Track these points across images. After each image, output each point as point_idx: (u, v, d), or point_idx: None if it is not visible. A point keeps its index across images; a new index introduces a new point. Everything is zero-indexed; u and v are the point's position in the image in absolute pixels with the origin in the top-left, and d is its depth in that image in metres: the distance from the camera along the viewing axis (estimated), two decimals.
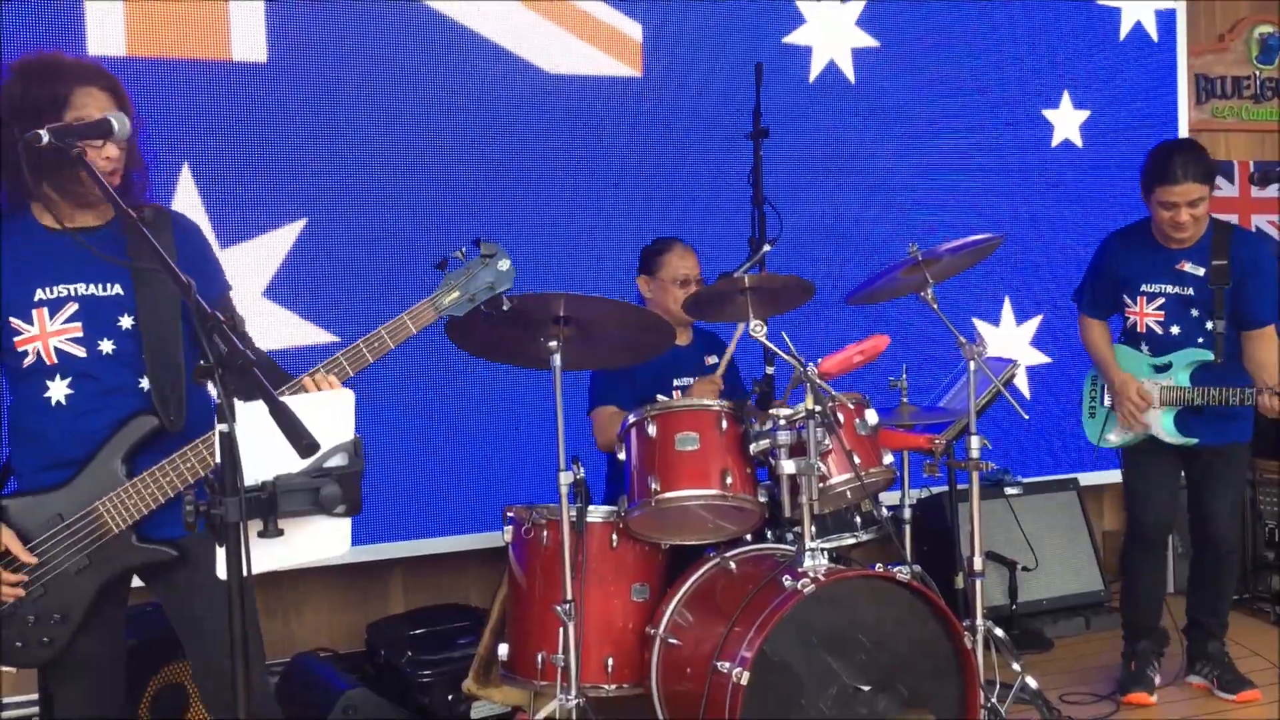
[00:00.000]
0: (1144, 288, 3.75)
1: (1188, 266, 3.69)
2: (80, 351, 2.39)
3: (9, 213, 2.41)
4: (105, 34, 3.71)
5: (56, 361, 2.37)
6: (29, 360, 2.36)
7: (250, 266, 3.88)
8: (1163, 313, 3.72)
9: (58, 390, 2.37)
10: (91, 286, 2.41)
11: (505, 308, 2.52)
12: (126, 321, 2.40)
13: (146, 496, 2.35)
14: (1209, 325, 3.67)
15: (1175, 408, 3.69)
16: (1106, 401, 3.85)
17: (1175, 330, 3.71)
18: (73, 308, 2.39)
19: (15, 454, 2.43)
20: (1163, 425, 3.72)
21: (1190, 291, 3.68)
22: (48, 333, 2.37)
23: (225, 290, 2.62)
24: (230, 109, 3.88)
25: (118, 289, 2.42)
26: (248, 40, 3.89)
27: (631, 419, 3.21)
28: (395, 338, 2.43)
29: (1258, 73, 5.71)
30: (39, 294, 2.38)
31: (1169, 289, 3.71)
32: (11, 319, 2.37)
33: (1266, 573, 4.73)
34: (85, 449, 2.36)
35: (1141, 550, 3.87)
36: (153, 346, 2.42)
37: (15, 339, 2.36)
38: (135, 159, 2.45)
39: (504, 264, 2.50)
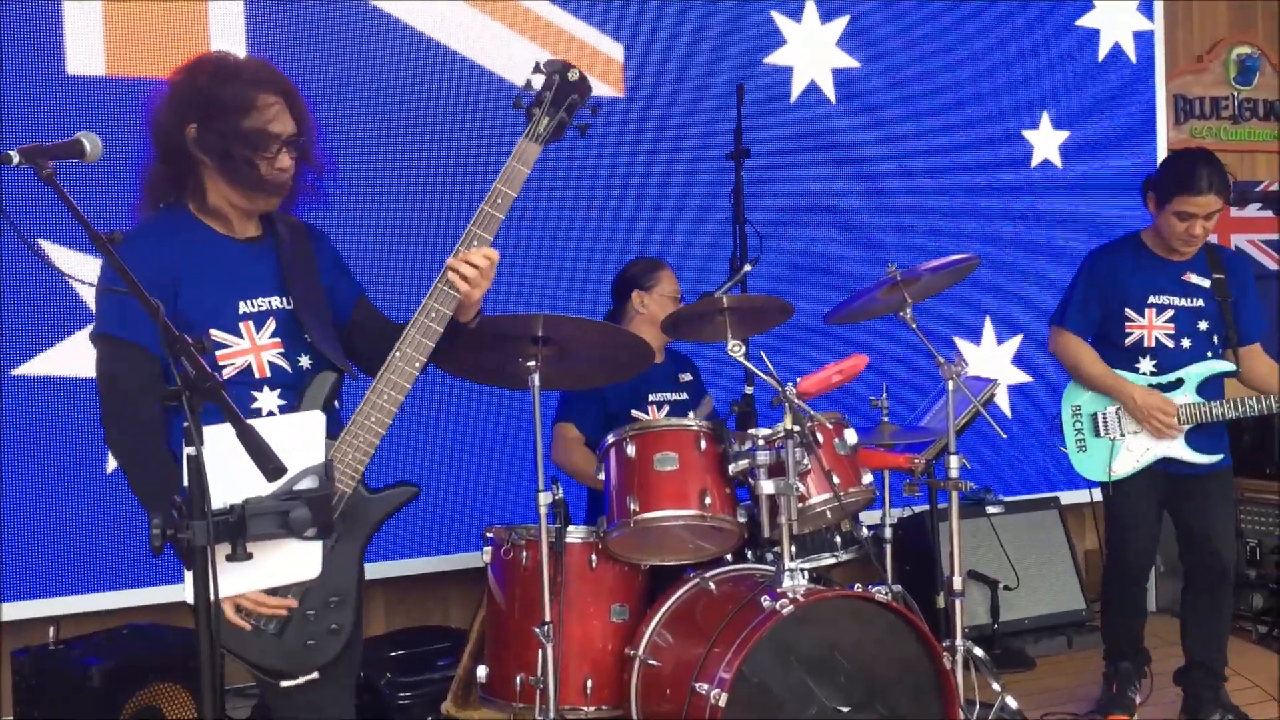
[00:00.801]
0: (1152, 300, 3.60)
1: (1194, 278, 3.59)
2: (288, 366, 2.35)
3: (156, 214, 2.33)
4: (85, 54, 3.69)
5: (269, 375, 2.32)
6: (230, 373, 2.29)
7: None
8: (1172, 325, 3.58)
9: (268, 400, 2.31)
10: (279, 300, 2.38)
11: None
12: (298, 333, 2.37)
13: (361, 444, 2.30)
14: (1214, 339, 3.59)
15: (1191, 425, 3.54)
16: (1107, 431, 3.64)
17: (1186, 343, 3.59)
18: (273, 323, 2.35)
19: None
20: (1185, 444, 3.57)
21: (1200, 303, 3.59)
22: (258, 346, 2.32)
23: (361, 293, 2.59)
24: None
25: (285, 302, 2.38)
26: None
27: (610, 439, 3.20)
28: (512, 185, 2.46)
29: (1236, 93, 5.75)
30: (242, 306, 2.33)
31: (1178, 301, 3.59)
32: (215, 332, 2.29)
33: (1248, 591, 4.73)
34: None
35: (1126, 582, 3.76)
36: (334, 353, 2.40)
37: (221, 351, 2.28)
38: (313, 164, 2.43)
39: (573, 74, 2.48)
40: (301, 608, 2.25)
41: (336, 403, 2.40)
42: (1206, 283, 3.59)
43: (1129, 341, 3.62)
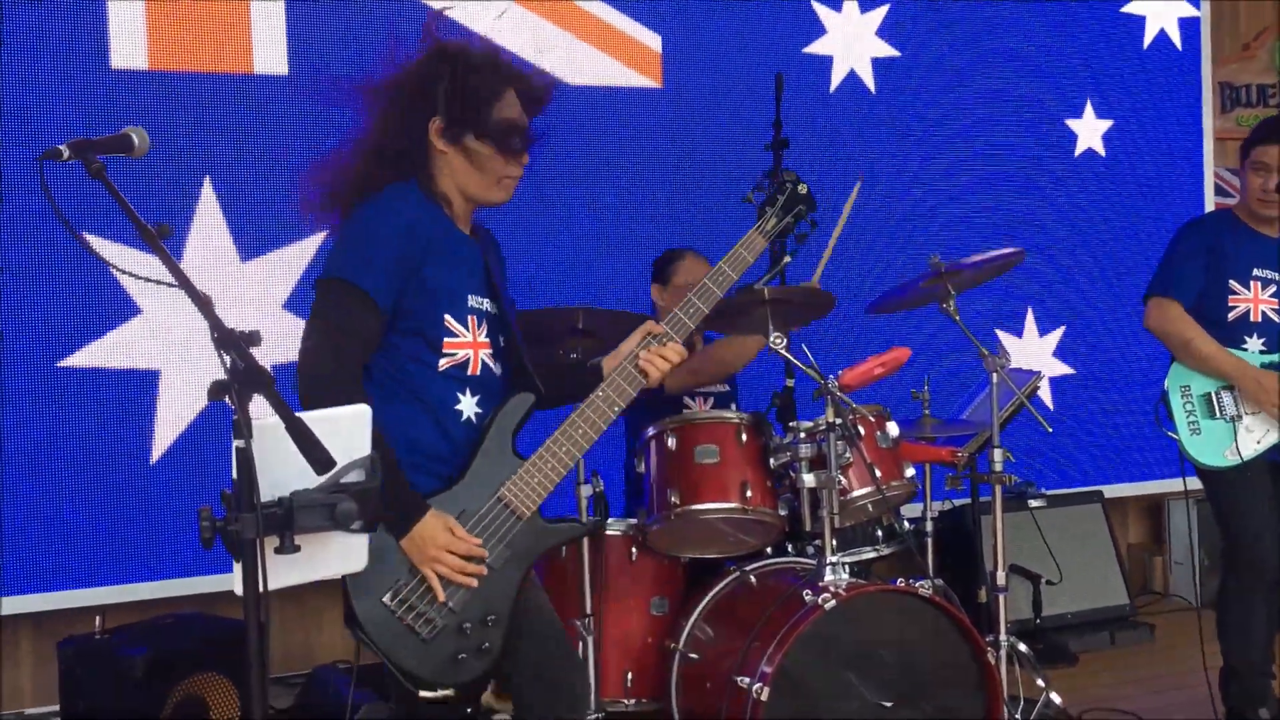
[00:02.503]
0: (1256, 272, 3.39)
1: None
2: (496, 368, 2.37)
3: (400, 184, 2.31)
4: (128, 46, 3.73)
5: (479, 374, 2.32)
6: (449, 364, 2.29)
7: (271, 279, 3.89)
8: (1277, 300, 3.41)
9: (468, 406, 2.31)
10: (492, 304, 2.39)
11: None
12: (502, 340, 2.40)
13: (548, 472, 2.31)
14: None
15: None
16: (1222, 413, 3.37)
17: None
18: (488, 324, 2.37)
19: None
20: None
21: None
22: (478, 343, 2.33)
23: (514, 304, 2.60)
24: (251, 121, 3.89)
25: (495, 306, 2.40)
26: (269, 52, 3.90)
27: (651, 431, 3.19)
28: (736, 269, 2.52)
29: None
30: (471, 300, 2.33)
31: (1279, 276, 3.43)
32: (448, 317, 2.29)
33: None
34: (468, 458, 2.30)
35: (1262, 588, 3.35)
36: (518, 363, 2.42)
37: (448, 339, 2.29)
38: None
39: (803, 188, 2.58)
40: (458, 619, 2.22)
41: (518, 431, 2.37)
42: None
43: (1233, 316, 3.40)
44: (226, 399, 1.67)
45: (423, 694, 2.20)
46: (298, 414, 1.69)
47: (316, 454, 1.64)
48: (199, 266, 3.74)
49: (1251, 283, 3.42)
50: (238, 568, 1.71)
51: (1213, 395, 3.40)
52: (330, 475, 1.74)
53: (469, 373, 2.30)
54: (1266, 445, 3.35)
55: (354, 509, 1.74)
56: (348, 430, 1.80)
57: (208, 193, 3.82)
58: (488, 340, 2.34)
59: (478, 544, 2.22)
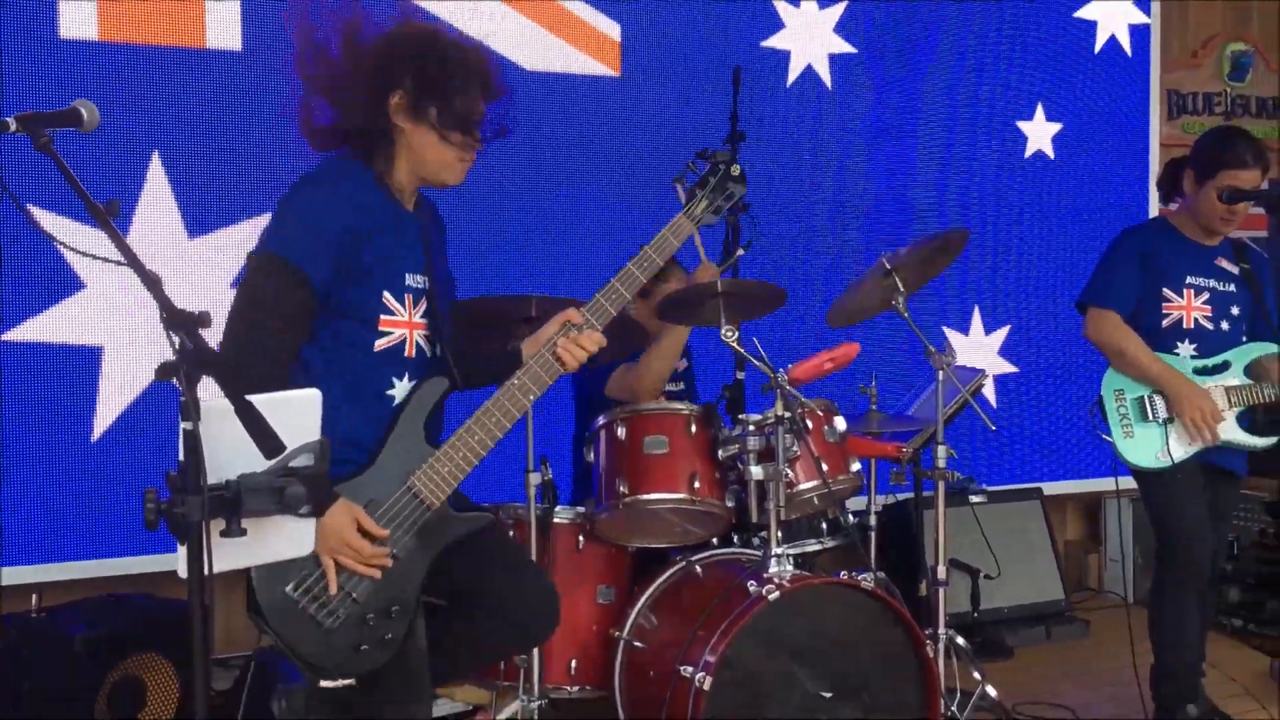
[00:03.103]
0: (1189, 280, 3.45)
1: (1225, 263, 3.50)
2: (429, 350, 2.34)
3: (340, 160, 2.31)
4: (78, 17, 3.65)
5: (414, 356, 2.30)
6: (386, 344, 2.27)
7: (220, 257, 3.84)
8: (1209, 308, 3.47)
9: (400, 391, 2.30)
10: (424, 279, 2.35)
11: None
12: (436, 317, 2.36)
13: (459, 461, 2.28)
14: (1243, 326, 3.49)
15: (1241, 407, 3.41)
16: (1156, 415, 3.42)
17: (1225, 326, 3.48)
18: (424, 302, 2.34)
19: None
20: (1238, 428, 3.42)
21: (1232, 288, 3.49)
22: (413, 323, 2.30)
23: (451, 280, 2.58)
24: (203, 97, 3.83)
25: (430, 284, 2.36)
26: (223, 28, 3.84)
27: (601, 420, 3.20)
28: (662, 253, 2.48)
29: (1229, 90, 5.76)
30: (407, 279, 2.31)
31: (1213, 284, 3.48)
32: (386, 295, 2.27)
33: (1226, 585, 4.77)
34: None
35: (1195, 588, 3.42)
36: (449, 340, 2.40)
37: (385, 317, 2.27)
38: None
39: (735, 169, 2.55)
40: (361, 609, 2.21)
41: (432, 417, 2.36)
42: (1236, 270, 3.51)
43: (1167, 323, 3.46)
44: (174, 380, 1.66)
45: (323, 682, 2.22)
46: (247, 397, 1.68)
47: (266, 438, 1.63)
48: (146, 243, 3.68)
49: (1185, 290, 3.47)
50: (182, 550, 1.70)
51: (1145, 399, 3.46)
52: (279, 459, 1.73)
53: (405, 355, 2.29)
54: (1196, 448, 3.42)
55: (302, 493, 1.73)
56: (297, 414, 1.79)
57: (156, 168, 3.76)
58: (424, 320, 2.33)
59: (384, 536, 2.20)
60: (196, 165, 3.82)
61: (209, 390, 1.77)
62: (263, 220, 3.79)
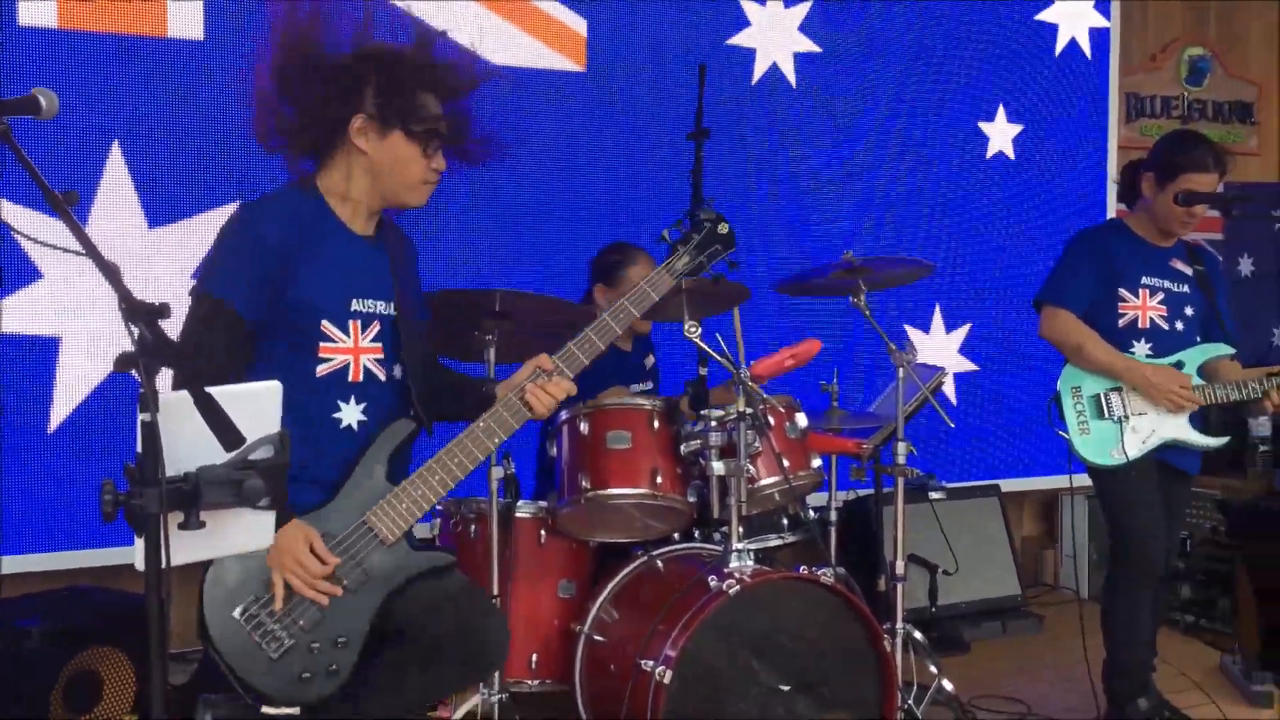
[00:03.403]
0: (1145, 280, 3.50)
1: (1179, 265, 3.55)
2: (381, 375, 2.32)
3: (289, 189, 2.32)
4: (37, 5, 3.61)
5: (361, 381, 2.29)
6: (328, 370, 2.27)
7: (180, 248, 3.81)
8: (1164, 308, 3.51)
9: (350, 414, 2.29)
10: (387, 305, 2.36)
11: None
12: (398, 343, 2.35)
13: (417, 499, 2.27)
14: (1196, 327, 3.54)
15: (1195, 407, 3.46)
16: (1110, 413, 3.46)
17: (1179, 326, 3.52)
18: (376, 327, 2.33)
19: None
20: (1191, 428, 3.48)
21: (1186, 289, 3.54)
22: (360, 348, 2.30)
23: (429, 318, 2.58)
24: (164, 87, 3.80)
25: (393, 309, 2.36)
26: (185, 17, 3.81)
27: (564, 415, 3.21)
28: (639, 306, 2.50)
29: (1186, 94, 5.85)
30: (354, 304, 2.30)
31: (1168, 285, 3.53)
32: (325, 323, 2.27)
33: (1178, 582, 4.85)
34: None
35: (1148, 585, 3.47)
36: (414, 364, 2.39)
37: (324, 344, 2.27)
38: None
39: (723, 228, 2.58)
40: (307, 638, 2.21)
41: (397, 455, 2.36)
42: (1190, 272, 3.57)
43: (1123, 323, 3.50)
44: (133, 371, 1.65)
45: (265, 709, 2.20)
46: (208, 389, 1.67)
47: (225, 430, 1.63)
48: (105, 233, 3.65)
49: (1140, 290, 3.52)
50: (140, 542, 1.69)
51: (1102, 396, 3.50)
52: (238, 451, 1.73)
53: (350, 379, 2.29)
54: (1151, 445, 3.46)
55: (261, 486, 1.73)
56: (257, 407, 1.79)
57: (116, 158, 3.73)
58: (377, 345, 2.33)
59: (335, 563, 2.21)
60: (157, 155, 3.79)
61: (168, 382, 1.76)
62: (226, 210, 3.81)
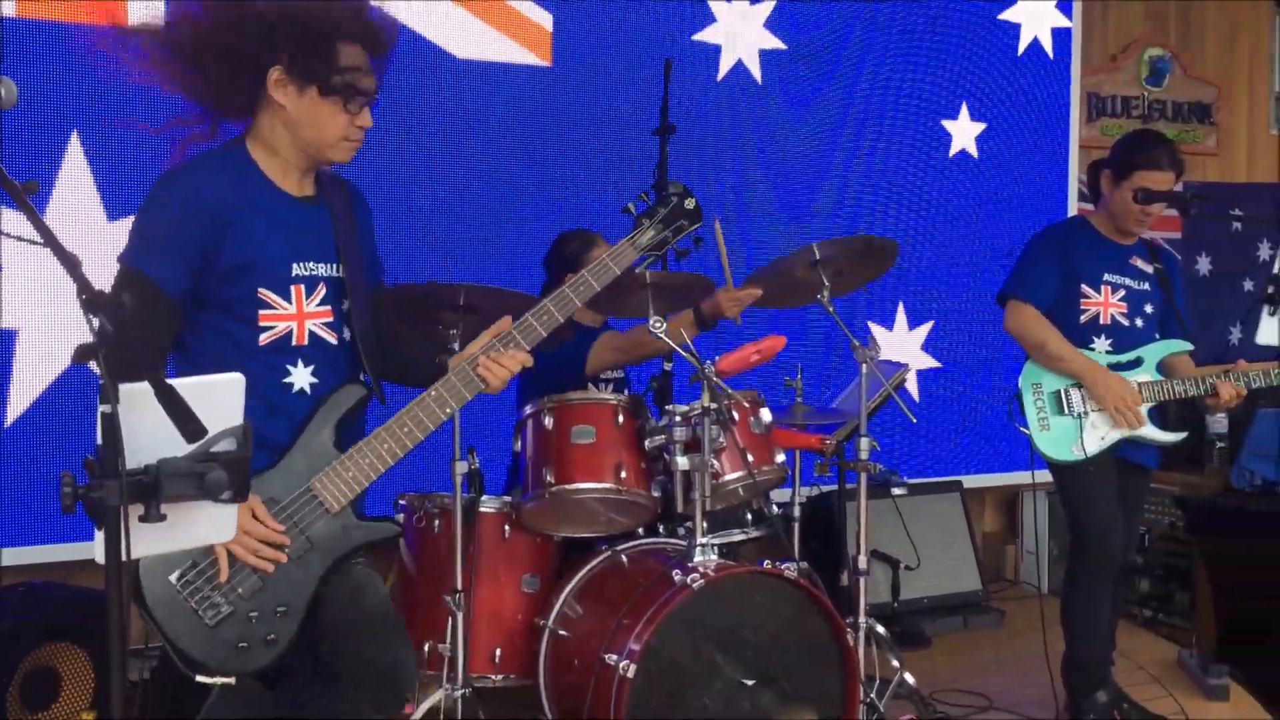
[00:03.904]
0: (1106, 277, 3.54)
1: (1140, 263, 3.60)
2: (331, 338, 2.25)
3: (216, 150, 2.21)
4: None
5: (306, 344, 2.22)
6: (270, 338, 2.19)
7: None
8: (1125, 305, 3.55)
9: (300, 377, 2.22)
10: (331, 267, 2.28)
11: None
12: (346, 305, 2.28)
13: (364, 468, 2.21)
14: (1155, 324, 3.58)
15: (1153, 403, 3.50)
16: (1070, 409, 3.50)
17: (1139, 323, 3.57)
18: (323, 289, 2.25)
19: None
20: (1149, 424, 3.51)
21: (1146, 287, 3.59)
22: (304, 313, 2.22)
23: (382, 274, 2.52)
24: (124, 76, 3.74)
25: (339, 270, 2.29)
26: (145, 6, 3.75)
27: (529, 410, 3.21)
28: (600, 280, 2.42)
29: (1146, 94, 5.92)
30: (295, 269, 2.22)
31: (1129, 282, 3.57)
32: (263, 290, 2.18)
33: (1136, 576, 4.91)
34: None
35: (1106, 580, 3.52)
36: (363, 327, 2.32)
37: (264, 312, 2.18)
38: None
39: (690, 202, 2.51)
40: (246, 606, 2.14)
41: (346, 421, 2.29)
42: (1151, 269, 3.62)
43: (1084, 319, 3.54)
44: (92, 364, 1.63)
45: (199, 678, 2.13)
46: (169, 380, 1.66)
47: (187, 422, 1.61)
48: (64, 224, 3.60)
49: (1102, 287, 3.56)
50: (99, 535, 1.67)
51: (1062, 393, 3.53)
52: (200, 443, 1.71)
53: (294, 344, 2.22)
54: (1110, 441, 3.50)
55: (224, 478, 1.71)
56: (220, 398, 1.76)
57: (75, 148, 3.68)
58: (325, 308, 2.26)
59: (279, 529, 2.15)
60: (116, 145, 3.74)
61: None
62: None
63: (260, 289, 2.19)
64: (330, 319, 2.27)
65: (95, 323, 1.64)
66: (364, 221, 2.45)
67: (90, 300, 1.63)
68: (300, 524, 2.18)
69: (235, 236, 2.16)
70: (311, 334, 2.24)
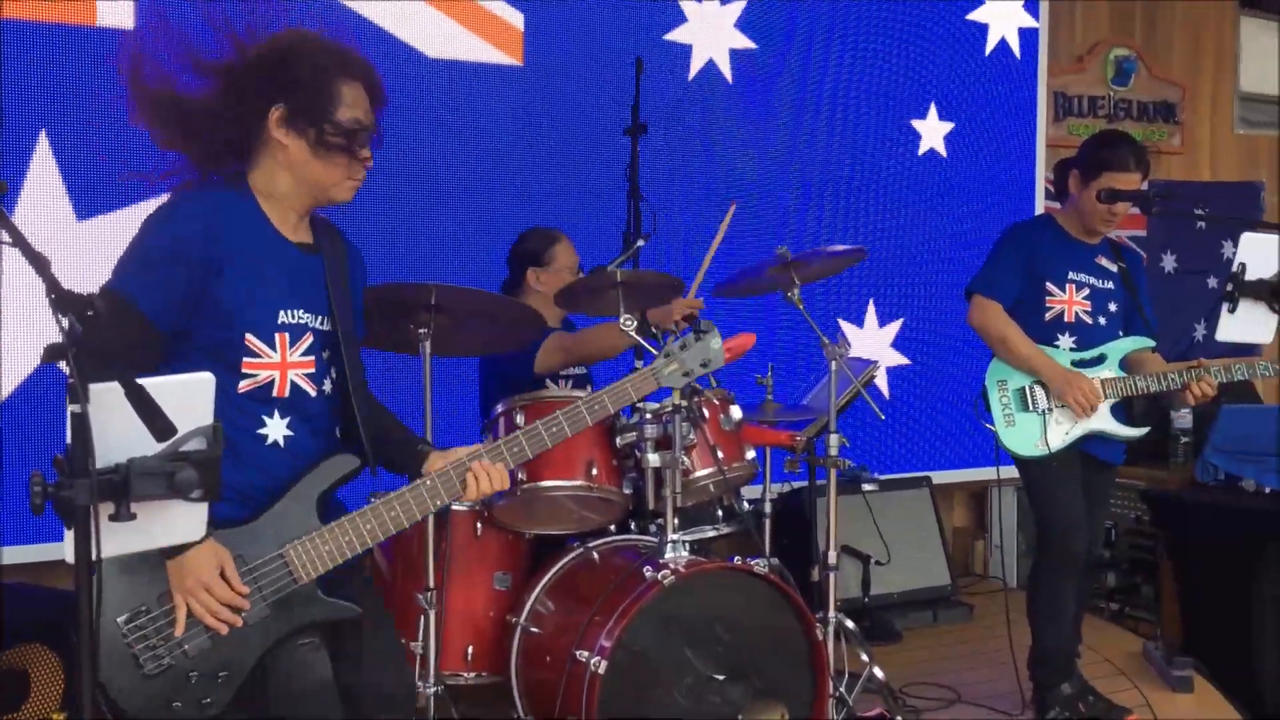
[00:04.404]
0: (1071, 275, 3.59)
1: (1104, 261, 3.65)
2: (311, 390, 2.18)
3: (220, 185, 2.15)
4: None
5: (287, 396, 2.15)
6: (250, 385, 2.12)
7: (111, 240, 3.74)
8: (1089, 303, 3.60)
9: (275, 429, 2.14)
10: (320, 318, 2.21)
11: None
12: (327, 355, 2.22)
13: (343, 545, 2.14)
14: (1119, 322, 3.63)
15: (1116, 399, 3.54)
16: (1034, 405, 3.55)
17: (1102, 321, 3.61)
18: (309, 339, 2.18)
19: None
20: (1113, 419, 3.57)
21: (1110, 285, 3.64)
22: (288, 363, 2.15)
23: (362, 336, 2.43)
24: (93, 76, 3.74)
25: (327, 323, 2.22)
26: (114, 5, 3.76)
27: (500, 408, 3.22)
28: (617, 403, 2.41)
29: (1112, 94, 5.99)
30: (281, 316, 2.15)
31: (1093, 281, 3.62)
32: (249, 336, 2.11)
33: (1103, 570, 4.97)
34: (278, 490, 2.15)
35: (1071, 574, 3.57)
36: (356, 385, 2.26)
37: (248, 359, 2.11)
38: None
39: (715, 342, 2.51)
40: (188, 665, 2.06)
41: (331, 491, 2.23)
42: (1115, 268, 3.67)
43: (1049, 316, 3.59)
44: (62, 363, 1.63)
45: None
46: (139, 380, 1.66)
47: (156, 420, 1.62)
48: (33, 225, 3.59)
49: (1067, 285, 3.61)
50: (69, 535, 1.68)
51: (1027, 389, 3.58)
52: (170, 443, 1.72)
53: (274, 395, 2.15)
54: (1074, 437, 3.55)
55: (194, 477, 1.72)
56: (190, 398, 1.78)
57: (43, 148, 3.67)
58: (309, 359, 2.19)
59: (243, 592, 2.07)
60: (86, 146, 3.73)
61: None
62: (157, 203, 3.77)
63: (248, 335, 2.13)
64: (312, 370, 2.20)
65: (65, 322, 1.65)
66: (357, 276, 2.39)
67: (60, 299, 1.64)
68: (264, 589, 2.11)
69: (228, 279, 2.10)
70: (293, 384, 2.17)
